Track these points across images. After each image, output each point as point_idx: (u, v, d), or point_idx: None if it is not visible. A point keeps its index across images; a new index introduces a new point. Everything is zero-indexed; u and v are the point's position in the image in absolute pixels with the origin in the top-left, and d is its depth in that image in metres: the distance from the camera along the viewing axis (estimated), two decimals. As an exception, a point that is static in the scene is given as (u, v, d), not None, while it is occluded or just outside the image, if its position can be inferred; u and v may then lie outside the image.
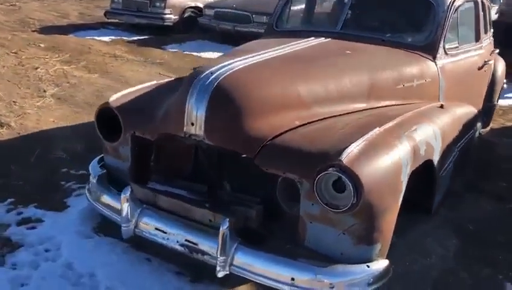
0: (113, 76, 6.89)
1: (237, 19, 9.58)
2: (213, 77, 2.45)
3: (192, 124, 2.43)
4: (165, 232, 2.51)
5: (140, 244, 2.74)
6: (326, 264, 2.22)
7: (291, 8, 4.14)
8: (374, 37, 3.52)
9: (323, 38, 3.44)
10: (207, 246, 2.39)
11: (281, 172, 2.32)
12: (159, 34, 10.53)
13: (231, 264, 2.32)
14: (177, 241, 2.47)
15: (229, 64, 2.58)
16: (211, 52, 9.15)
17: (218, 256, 2.29)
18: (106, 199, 2.77)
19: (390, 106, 2.99)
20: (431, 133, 2.72)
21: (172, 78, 3.35)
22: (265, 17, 9.41)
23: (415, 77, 3.20)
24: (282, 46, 3.07)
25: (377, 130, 2.37)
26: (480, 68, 4.07)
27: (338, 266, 2.21)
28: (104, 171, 2.93)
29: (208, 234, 2.42)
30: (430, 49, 3.40)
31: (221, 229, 2.28)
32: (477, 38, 4.11)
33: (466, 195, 3.71)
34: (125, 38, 10.20)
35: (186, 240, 2.45)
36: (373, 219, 2.21)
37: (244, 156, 2.43)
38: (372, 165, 2.18)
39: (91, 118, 5.04)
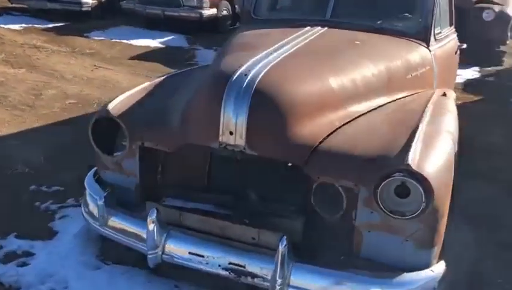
0: (43, 70, 6.16)
1: (166, 2, 9.04)
2: (249, 78, 2.18)
3: (231, 133, 2.14)
4: (202, 256, 2.23)
5: (160, 268, 2.42)
6: (393, 274, 2.09)
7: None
8: (366, 24, 3.40)
9: (319, 27, 3.25)
10: (257, 267, 2.15)
11: (335, 180, 2.14)
12: (75, 20, 9.67)
13: (288, 285, 2.11)
14: (219, 266, 2.20)
15: (257, 63, 2.32)
16: (143, 40, 8.59)
17: (277, 279, 2.06)
18: (121, 223, 2.39)
19: (403, 97, 2.91)
20: (454, 124, 2.68)
21: (167, 77, 2.97)
22: (196, 0, 9.02)
23: (418, 66, 3.15)
24: (292, 37, 2.85)
25: (421, 128, 2.26)
26: (455, 52, 4.15)
27: (405, 275, 2.09)
28: (109, 190, 2.53)
29: (255, 253, 2.18)
30: (423, 36, 3.35)
31: (280, 248, 2.05)
32: (451, 22, 4.18)
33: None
34: (37, 26, 9.25)
35: (230, 263, 2.19)
36: (436, 221, 2.12)
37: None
38: (434, 167, 2.07)
39: (38, 122, 4.51)
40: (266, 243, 2.17)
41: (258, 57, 2.40)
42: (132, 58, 7.38)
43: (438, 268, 2.18)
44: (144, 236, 2.28)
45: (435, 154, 2.13)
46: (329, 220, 2.33)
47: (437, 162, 2.10)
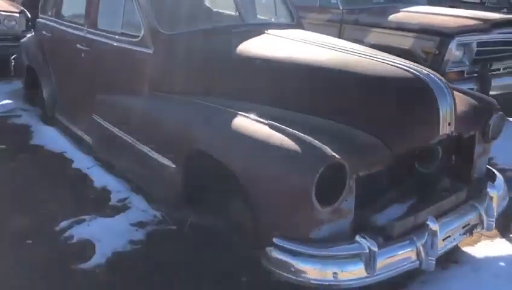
0: None
1: None
2: (432, 76, 2.54)
3: (449, 124, 2.50)
4: (449, 236, 2.54)
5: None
6: None
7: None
8: (274, 24, 3.79)
9: (265, 34, 3.40)
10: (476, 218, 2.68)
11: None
12: None
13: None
14: (459, 234, 2.59)
15: (407, 64, 2.65)
16: None
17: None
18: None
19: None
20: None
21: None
22: None
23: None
24: (318, 45, 3.06)
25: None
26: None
27: None
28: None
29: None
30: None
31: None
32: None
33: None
34: None
35: (463, 227, 2.62)
36: None
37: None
38: None
39: None
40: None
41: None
42: None
43: None
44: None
45: None
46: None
47: None
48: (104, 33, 3.70)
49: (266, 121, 2.44)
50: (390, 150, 2.40)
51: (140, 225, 3.03)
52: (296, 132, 2.33)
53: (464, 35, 4.58)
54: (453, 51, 4.57)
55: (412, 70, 2.59)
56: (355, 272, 2.23)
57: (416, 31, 4.73)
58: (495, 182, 2.83)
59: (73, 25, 4.12)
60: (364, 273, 2.23)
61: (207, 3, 4.12)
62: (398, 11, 5.25)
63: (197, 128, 2.73)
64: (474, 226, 2.67)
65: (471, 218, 2.65)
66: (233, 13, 3.80)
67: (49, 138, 4.42)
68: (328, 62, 2.80)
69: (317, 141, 2.24)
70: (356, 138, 2.40)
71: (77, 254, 2.72)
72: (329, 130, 2.42)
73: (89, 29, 3.86)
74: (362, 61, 2.78)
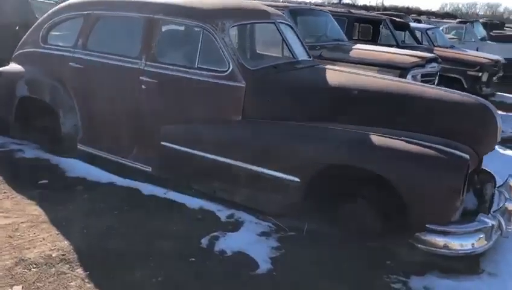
0: None
1: None
2: (486, 101, 3.62)
3: (499, 135, 3.60)
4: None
5: None
6: None
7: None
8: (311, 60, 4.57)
9: (325, 68, 4.16)
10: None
11: None
12: None
13: None
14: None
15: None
16: None
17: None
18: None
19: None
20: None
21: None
22: None
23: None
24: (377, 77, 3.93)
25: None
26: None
27: None
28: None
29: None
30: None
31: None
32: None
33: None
34: None
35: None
36: None
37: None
38: None
39: None
40: None
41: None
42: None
43: None
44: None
45: None
46: None
47: None
48: (175, 67, 3.97)
49: (400, 137, 3.22)
50: (477, 155, 3.40)
51: (265, 234, 3.45)
52: (429, 143, 3.16)
53: (415, 69, 5.94)
54: (409, 81, 5.90)
55: (473, 97, 3.65)
56: (481, 241, 3.13)
57: (379, 65, 5.93)
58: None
59: (121, 58, 4.22)
60: (484, 242, 3.14)
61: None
62: (352, 49, 6.42)
63: (331, 146, 3.33)
64: None
65: None
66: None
67: (82, 169, 4.35)
68: (407, 90, 3.71)
69: (449, 149, 3.11)
70: (460, 147, 3.31)
71: (243, 264, 3.06)
72: (438, 142, 3.28)
73: (149, 62, 4.06)
74: (430, 90, 3.75)
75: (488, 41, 13.81)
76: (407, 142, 3.20)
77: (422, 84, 3.84)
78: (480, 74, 8.01)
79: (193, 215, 3.64)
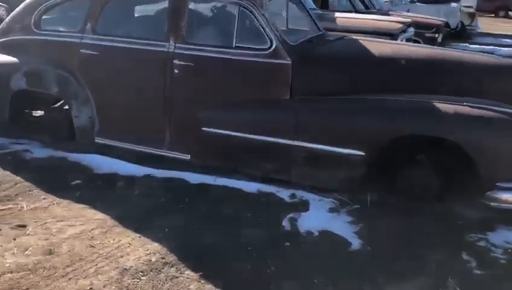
0: None
1: None
2: None
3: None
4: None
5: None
6: None
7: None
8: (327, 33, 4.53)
9: (361, 39, 4.18)
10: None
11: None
12: None
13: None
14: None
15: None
16: None
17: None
18: None
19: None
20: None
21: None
22: None
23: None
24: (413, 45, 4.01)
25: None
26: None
27: None
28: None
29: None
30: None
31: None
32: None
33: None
34: None
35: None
36: None
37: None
38: None
39: None
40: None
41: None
42: None
43: None
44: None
45: None
46: None
47: None
48: (210, 48, 3.78)
49: (462, 103, 3.35)
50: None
51: (334, 210, 3.47)
52: (487, 106, 3.33)
53: (402, 34, 6.14)
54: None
55: (504, 59, 3.87)
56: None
57: (366, 33, 6.03)
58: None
59: (143, 41, 3.93)
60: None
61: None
62: (336, 18, 6.47)
63: (403, 117, 3.39)
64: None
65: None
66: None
67: (106, 164, 4.03)
68: (450, 57, 3.86)
69: (507, 109, 3.30)
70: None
71: (336, 242, 3.07)
72: (493, 104, 3.46)
73: (179, 44, 3.81)
74: (467, 55, 3.93)
75: (417, 3, 14.53)
76: (470, 107, 3.34)
77: (452, 49, 4.01)
78: (436, 35, 8.46)
79: (257, 199, 3.57)
